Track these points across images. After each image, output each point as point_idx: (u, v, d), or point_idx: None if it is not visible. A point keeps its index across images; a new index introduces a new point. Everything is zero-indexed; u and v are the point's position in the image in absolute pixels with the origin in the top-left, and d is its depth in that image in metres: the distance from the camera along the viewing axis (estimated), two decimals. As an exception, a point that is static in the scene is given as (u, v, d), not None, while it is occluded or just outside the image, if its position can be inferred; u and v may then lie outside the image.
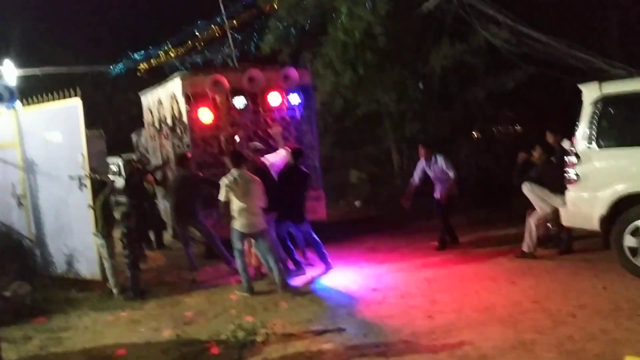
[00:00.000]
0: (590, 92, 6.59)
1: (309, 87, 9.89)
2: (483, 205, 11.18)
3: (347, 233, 10.53)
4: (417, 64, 12.90)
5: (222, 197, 6.89)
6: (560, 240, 7.66)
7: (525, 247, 7.52)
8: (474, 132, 14.99)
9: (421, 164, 8.81)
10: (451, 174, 8.52)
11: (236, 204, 6.88)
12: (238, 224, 6.95)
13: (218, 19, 12.57)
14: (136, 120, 13.78)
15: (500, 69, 12.03)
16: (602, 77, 7.20)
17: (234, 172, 6.94)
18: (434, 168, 8.65)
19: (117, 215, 7.56)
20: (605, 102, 6.50)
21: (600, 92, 6.51)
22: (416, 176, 8.85)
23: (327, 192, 10.92)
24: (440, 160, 8.59)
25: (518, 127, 15.84)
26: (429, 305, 6.08)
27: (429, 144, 9.07)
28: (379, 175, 15.21)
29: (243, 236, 7.05)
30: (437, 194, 8.73)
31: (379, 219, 12.17)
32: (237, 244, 7.09)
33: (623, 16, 13.53)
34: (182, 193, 8.07)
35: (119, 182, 10.69)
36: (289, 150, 8.01)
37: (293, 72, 9.32)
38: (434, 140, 11.18)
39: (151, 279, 8.33)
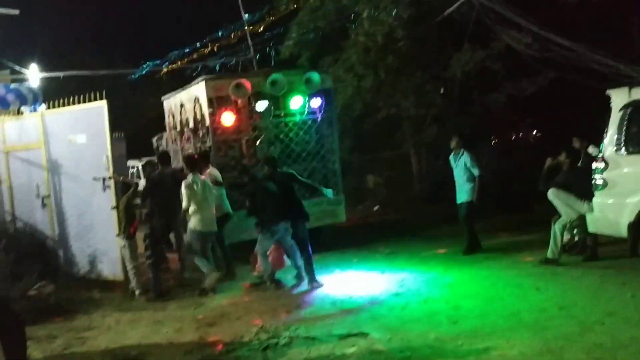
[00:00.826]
0: (619, 98, 6.52)
1: (330, 91, 9.89)
2: (504, 211, 11.07)
3: (366, 237, 10.52)
4: (437, 69, 12.87)
5: None
6: (586, 247, 7.56)
7: (549, 254, 7.42)
8: (496, 137, 14.89)
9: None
10: (475, 171, 8.37)
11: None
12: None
13: (239, 24, 12.62)
14: (156, 124, 13.89)
15: (522, 74, 11.94)
16: (631, 82, 7.09)
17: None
18: (458, 162, 8.55)
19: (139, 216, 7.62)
20: (635, 108, 6.42)
21: (630, 97, 6.44)
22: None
23: (346, 196, 10.91)
24: (466, 156, 8.44)
25: (537, 133, 15.71)
26: (453, 310, 6.03)
27: (462, 134, 9.02)
28: (397, 180, 15.16)
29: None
30: (460, 197, 8.58)
31: (398, 224, 12.12)
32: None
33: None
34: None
35: (141, 184, 10.75)
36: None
37: (315, 76, 9.33)
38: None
39: (172, 280, 8.37)
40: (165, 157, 8.79)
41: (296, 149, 9.52)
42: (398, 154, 16.03)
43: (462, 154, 8.50)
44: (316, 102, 9.47)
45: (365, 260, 8.82)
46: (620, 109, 6.42)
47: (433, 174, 13.71)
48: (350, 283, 7.58)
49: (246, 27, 12.36)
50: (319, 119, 9.61)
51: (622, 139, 6.41)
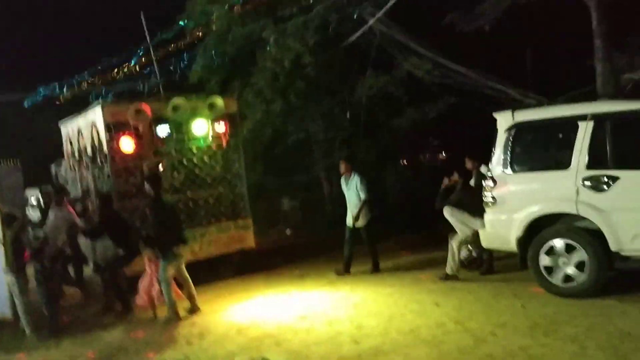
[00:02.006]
0: (504, 120, 6.92)
1: (235, 115, 9.85)
2: (410, 230, 11.42)
3: (278, 261, 10.48)
4: (344, 94, 13.18)
5: None
6: (482, 261, 7.91)
7: (448, 270, 7.71)
8: (402, 160, 15.38)
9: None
10: (363, 195, 8.49)
11: None
12: None
13: (144, 48, 12.35)
14: (57, 151, 13.26)
15: (423, 99, 12.45)
16: (515, 106, 7.58)
17: None
18: (349, 186, 8.64)
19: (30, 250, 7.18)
20: (518, 129, 6.84)
21: (513, 120, 6.86)
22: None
23: (258, 220, 10.85)
24: (357, 179, 8.55)
25: (443, 154, 16.39)
26: (356, 330, 6.10)
27: (350, 159, 9.20)
28: (310, 203, 15.26)
29: None
30: (349, 221, 8.68)
31: (311, 246, 12.16)
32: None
33: (536, 50, 14.41)
34: None
35: (36, 215, 10.19)
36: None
37: (219, 101, 9.27)
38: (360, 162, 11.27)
39: (69, 316, 7.92)
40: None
41: (201, 174, 9.39)
42: (311, 177, 16.19)
43: (354, 177, 8.62)
44: (221, 127, 9.39)
45: (275, 284, 8.76)
46: (505, 131, 6.83)
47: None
48: (257, 308, 7.49)
49: (151, 51, 12.09)
50: (224, 144, 9.53)
51: (508, 158, 6.81)
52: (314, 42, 12.32)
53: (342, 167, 8.76)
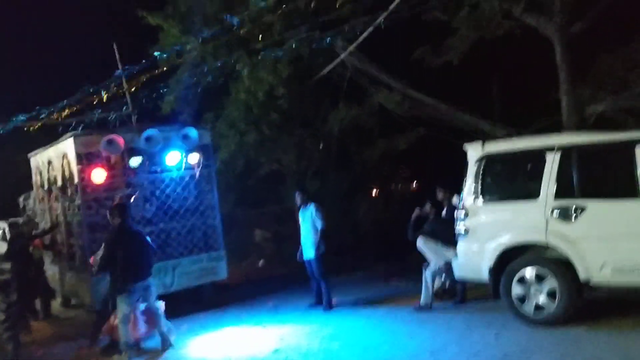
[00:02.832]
0: (474, 152, 7.08)
1: (208, 146, 9.84)
2: (382, 260, 11.45)
3: (250, 293, 10.36)
4: (316, 125, 13.31)
5: None
6: (455, 291, 7.96)
7: (422, 300, 7.74)
8: (373, 190, 15.52)
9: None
10: (319, 224, 8.33)
11: None
12: None
13: (116, 78, 12.28)
14: (25, 182, 13.00)
15: (394, 130, 12.65)
16: (484, 137, 7.76)
17: None
18: (305, 216, 8.49)
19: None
20: (487, 161, 7.00)
21: (483, 151, 7.02)
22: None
23: (231, 252, 10.76)
24: (313, 209, 8.41)
25: (414, 185, 16.59)
26: (331, 363, 6.05)
27: (306, 190, 9.12)
28: (282, 234, 15.20)
29: None
30: (304, 252, 8.48)
31: (284, 278, 12.06)
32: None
33: (503, 82, 14.84)
34: None
35: (1, 248, 9.93)
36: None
37: (192, 132, 9.26)
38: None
39: (35, 352, 7.68)
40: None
41: (173, 205, 9.30)
42: (284, 208, 16.16)
43: (309, 208, 8.48)
44: (194, 158, 9.37)
45: (248, 316, 8.66)
46: (475, 162, 6.98)
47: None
48: (230, 342, 7.38)
49: (124, 81, 12.04)
50: (197, 175, 9.49)
51: (479, 189, 6.94)
52: (287, 75, 12.47)
53: (298, 199, 8.66)
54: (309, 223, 8.44)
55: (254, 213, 16.12)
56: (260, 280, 12.14)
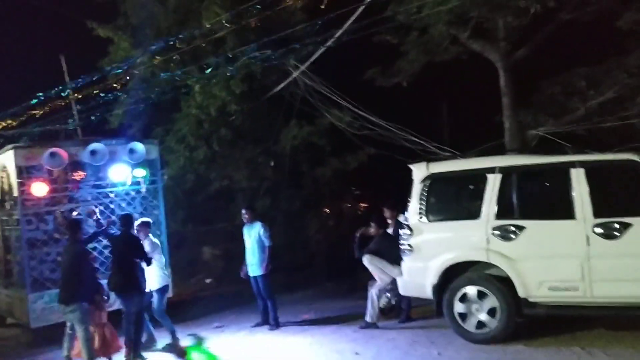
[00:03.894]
0: (419, 171, 7.22)
1: (156, 161, 9.70)
2: (331, 278, 11.48)
3: (196, 312, 10.17)
4: (268, 143, 13.31)
5: None
6: (400, 309, 8.05)
7: (368, 318, 7.78)
8: (324, 209, 15.58)
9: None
10: (266, 242, 8.31)
11: None
12: None
13: (62, 90, 11.99)
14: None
15: (345, 149, 12.79)
16: (429, 158, 7.94)
17: None
18: (251, 234, 8.43)
19: None
20: (431, 181, 7.14)
21: (428, 171, 7.17)
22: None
23: (178, 269, 10.57)
24: (260, 227, 8.39)
25: (364, 203, 16.74)
26: (275, 382, 5.99)
27: (253, 208, 9.11)
28: (232, 252, 15.03)
29: None
30: (250, 270, 8.41)
31: (231, 296, 11.90)
32: None
33: (450, 105, 15.28)
34: None
35: None
36: None
37: (139, 146, 9.11)
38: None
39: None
40: None
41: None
42: (234, 225, 15.98)
43: (255, 225, 8.44)
44: (140, 173, 9.21)
45: (191, 336, 8.47)
46: (420, 182, 7.12)
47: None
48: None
49: (70, 93, 11.77)
50: (143, 190, 9.32)
51: (423, 208, 7.07)
52: (240, 91, 12.47)
53: (246, 216, 8.57)
54: (255, 240, 8.38)
55: (203, 230, 15.91)
56: (209, 299, 11.94)
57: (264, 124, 13.51)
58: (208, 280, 13.92)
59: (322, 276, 11.73)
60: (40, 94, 11.52)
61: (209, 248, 15.62)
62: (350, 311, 8.97)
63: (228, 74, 12.03)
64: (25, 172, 8.34)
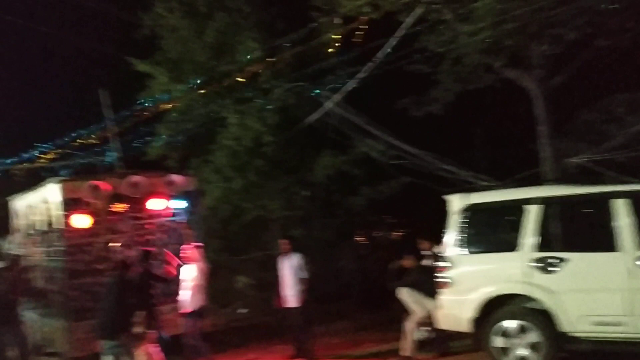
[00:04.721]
0: (455, 202, 7.15)
1: (194, 192, 9.85)
2: (366, 310, 11.35)
3: (230, 343, 10.17)
4: (302, 172, 13.40)
5: None
6: (437, 342, 7.89)
7: (403, 351, 7.65)
8: (358, 238, 15.51)
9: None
10: (305, 274, 8.30)
11: None
12: None
13: (103, 122, 12.39)
14: (3, 226, 12.87)
15: (378, 178, 12.78)
16: (466, 188, 7.86)
17: None
18: (289, 264, 8.40)
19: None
20: (469, 211, 7.06)
21: (464, 202, 7.09)
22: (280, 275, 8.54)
23: (212, 298, 10.60)
24: (298, 258, 8.39)
25: (398, 233, 16.60)
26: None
27: (291, 237, 9.05)
28: (266, 281, 15.04)
29: None
30: (288, 302, 8.34)
31: (265, 327, 11.88)
32: None
33: (485, 133, 15.16)
34: None
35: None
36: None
37: (177, 178, 9.29)
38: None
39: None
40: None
41: (157, 252, 9.21)
42: (268, 255, 16.04)
43: (293, 257, 8.43)
44: (179, 204, 9.36)
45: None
46: (457, 213, 7.04)
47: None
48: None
49: (111, 127, 12.12)
50: (181, 221, 9.45)
51: (460, 240, 6.98)
52: (274, 123, 12.65)
53: (283, 246, 8.60)
54: (293, 272, 8.36)
55: (237, 259, 16.00)
56: (241, 329, 11.94)
57: (297, 154, 13.62)
58: (243, 310, 13.93)
59: (356, 307, 11.59)
60: (82, 130, 11.89)
61: (243, 277, 15.69)
62: (386, 344, 8.83)
63: (262, 106, 12.26)
64: (68, 205, 8.55)
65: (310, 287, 8.43)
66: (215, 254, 14.21)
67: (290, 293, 8.37)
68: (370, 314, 11.21)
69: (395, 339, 8.49)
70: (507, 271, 6.69)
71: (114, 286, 6.90)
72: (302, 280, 8.30)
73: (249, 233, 15.00)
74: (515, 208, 6.86)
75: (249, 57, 11.78)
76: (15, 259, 9.90)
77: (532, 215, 6.63)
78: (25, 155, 11.43)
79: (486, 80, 10.87)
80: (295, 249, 8.64)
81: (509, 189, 7.47)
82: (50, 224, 8.90)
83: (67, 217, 8.53)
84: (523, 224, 6.63)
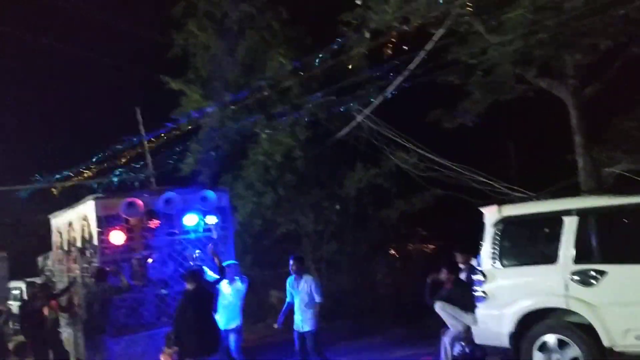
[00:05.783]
0: (490, 215, 7.03)
1: (227, 208, 9.95)
2: (400, 324, 11.22)
3: (264, 357, 10.16)
4: (333, 186, 13.41)
5: None
6: (475, 358, 7.74)
7: (442, 367, 7.53)
8: (391, 251, 15.41)
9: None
10: (317, 298, 7.80)
11: None
12: None
13: (137, 140, 12.65)
14: (44, 243, 13.18)
15: (411, 191, 12.70)
16: (501, 200, 7.74)
17: None
18: (301, 287, 7.92)
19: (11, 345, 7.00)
20: (504, 224, 6.94)
21: (500, 214, 6.97)
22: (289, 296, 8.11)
23: (246, 313, 10.63)
24: (311, 281, 7.92)
25: (432, 246, 16.45)
26: None
27: (301, 258, 8.48)
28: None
29: None
30: (298, 325, 7.90)
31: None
32: None
33: (519, 144, 14.95)
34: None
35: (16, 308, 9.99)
36: None
37: (210, 194, 9.40)
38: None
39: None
40: (100, 272, 8.40)
41: (191, 267, 9.30)
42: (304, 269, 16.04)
43: (304, 279, 7.95)
44: (212, 220, 9.46)
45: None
46: (492, 225, 6.93)
47: (332, 288, 13.80)
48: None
49: (145, 144, 12.38)
50: (215, 237, 9.54)
51: (496, 253, 6.86)
52: (305, 137, 12.72)
53: (294, 267, 8.01)
54: (304, 294, 7.85)
55: (270, 274, 16.04)
56: (275, 345, 11.92)
57: (328, 168, 13.66)
58: (275, 325, 13.90)
59: (390, 322, 11.47)
60: (118, 145, 12.15)
61: (276, 292, 15.70)
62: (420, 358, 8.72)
63: (293, 121, 12.34)
64: (104, 222, 8.73)
65: (338, 300, 8.25)
66: (248, 268, 14.31)
67: (303, 317, 7.86)
68: (405, 328, 11.07)
69: (432, 354, 8.38)
70: (546, 284, 6.53)
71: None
72: (315, 305, 7.82)
73: (281, 247, 15.05)
74: (553, 220, 6.70)
75: (278, 73, 11.89)
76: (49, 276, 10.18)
77: (570, 227, 6.46)
78: (65, 173, 11.73)
79: (518, 91, 10.74)
80: (306, 270, 8.20)
81: (546, 200, 7.32)
82: (88, 241, 9.08)
83: (103, 233, 8.70)
84: (561, 236, 6.48)
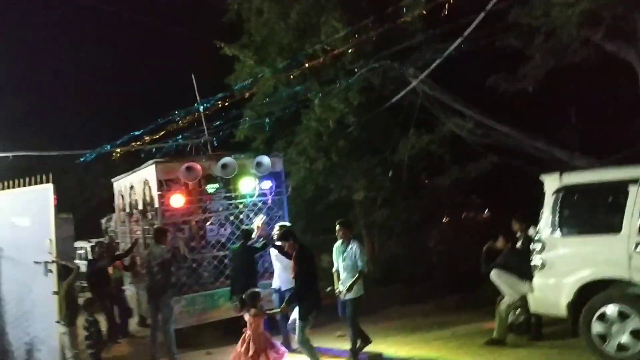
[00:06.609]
0: (551, 183, 6.87)
1: (280, 173, 10.08)
2: (453, 291, 11.19)
3: (318, 320, 10.30)
4: (386, 153, 13.31)
5: None
6: (530, 326, 7.68)
7: (495, 334, 7.50)
8: (445, 219, 15.26)
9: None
10: (361, 264, 7.57)
11: None
12: None
13: (195, 106, 12.86)
14: (107, 205, 13.72)
15: (466, 158, 12.46)
16: (562, 168, 7.52)
17: None
18: (346, 253, 7.70)
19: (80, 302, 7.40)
20: (566, 192, 6.76)
21: (561, 182, 6.79)
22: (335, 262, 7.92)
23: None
24: (357, 247, 7.67)
25: (486, 213, 16.19)
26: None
27: (348, 222, 8.17)
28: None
29: None
30: (343, 292, 7.66)
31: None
32: None
33: (581, 109, 14.33)
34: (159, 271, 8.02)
35: (84, 267, 10.51)
36: None
37: (265, 159, 9.53)
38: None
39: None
40: (160, 233, 8.41)
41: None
42: (352, 235, 16.13)
43: (352, 245, 7.69)
44: (267, 185, 9.62)
45: (315, 343, 8.61)
46: (553, 194, 6.76)
47: (384, 255, 13.88)
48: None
49: (201, 111, 12.58)
50: (269, 201, 9.71)
51: (556, 221, 6.71)
52: (358, 103, 12.61)
53: (340, 232, 7.78)
54: (350, 260, 7.66)
55: (322, 239, 16.22)
56: (329, 307, 12.08)
57: (381, 134, 13.54)
58: (328, 289, 14.12)
59: (443, 289, 11.46)
60: (175, 111, 12.39)
61: (328, 256, 15.88)
62: (476, 326, 8.70)
63: (346, 87, 12.23)
64: (164, 185, 9.00)
65: (391, 267, 8.22)
66: (301, 233, 14.51)
67: (347, 284, 7.67)
68: (458, 296, 11.05)
69: (486, 322, 8.35)
70: (607, 254, 6.37)
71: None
72: (360, 271, 7.60)
73: (334, 213, 15.15)
74: (618, 189, 6.49)
75: (333, 37, 11.74)
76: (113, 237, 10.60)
77: (634, 197, 6.24)
78: (126, 139, 12.11)
79: (583, 54, 10.24)
80: (354, 236, 7.94)
81: (610, 168, 7.06)
82: (149, 204, 9.41)
83: (163, 196, 8.98)
84: (626, 206, 6.26)
